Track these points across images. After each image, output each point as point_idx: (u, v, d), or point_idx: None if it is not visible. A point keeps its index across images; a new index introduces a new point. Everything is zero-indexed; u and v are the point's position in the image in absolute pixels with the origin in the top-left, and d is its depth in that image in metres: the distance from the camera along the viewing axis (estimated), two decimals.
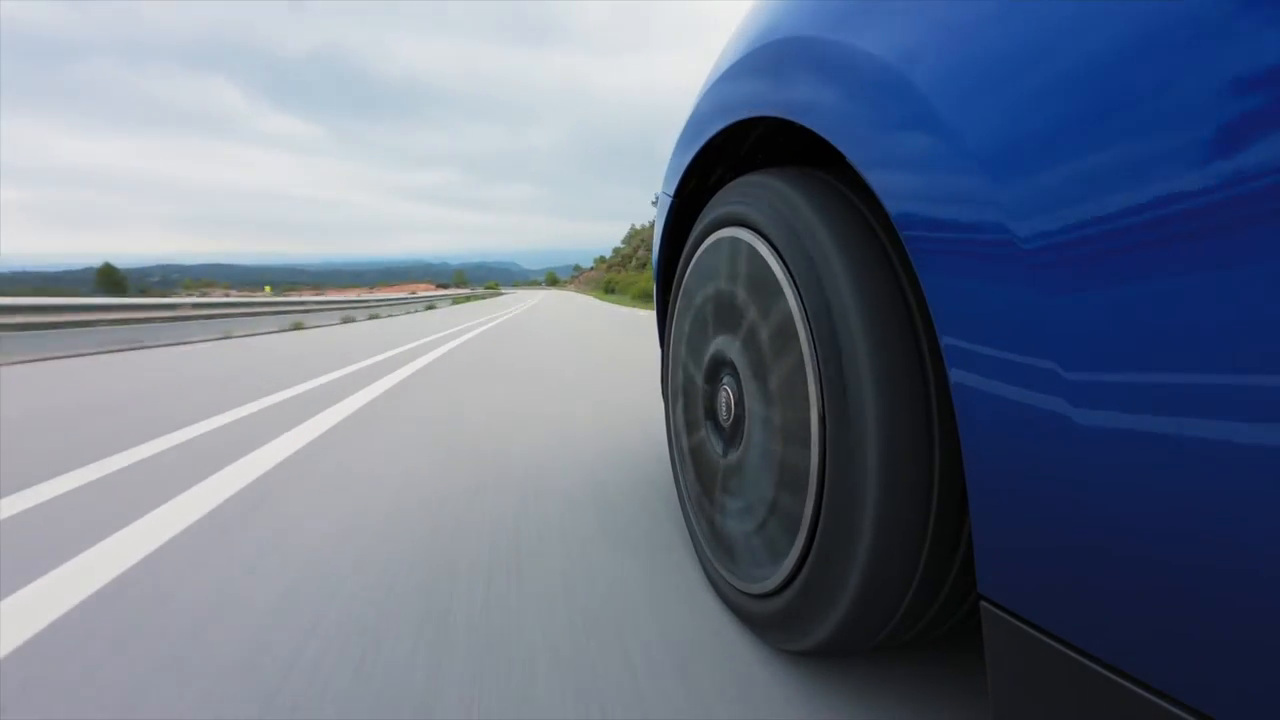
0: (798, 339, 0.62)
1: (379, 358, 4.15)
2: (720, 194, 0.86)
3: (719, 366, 0.85)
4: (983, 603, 0.43)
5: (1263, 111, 0.26)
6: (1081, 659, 0.35)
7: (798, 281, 0.62)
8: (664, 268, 1.19)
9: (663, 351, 1.14)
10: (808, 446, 0.60)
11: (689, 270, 0.96)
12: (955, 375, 0.42)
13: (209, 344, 5.77)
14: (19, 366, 3.92)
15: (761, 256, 0.70)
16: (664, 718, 0.64)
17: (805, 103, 0.61)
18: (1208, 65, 0.28)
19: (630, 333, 6.57)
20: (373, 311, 14.21)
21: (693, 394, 0.95)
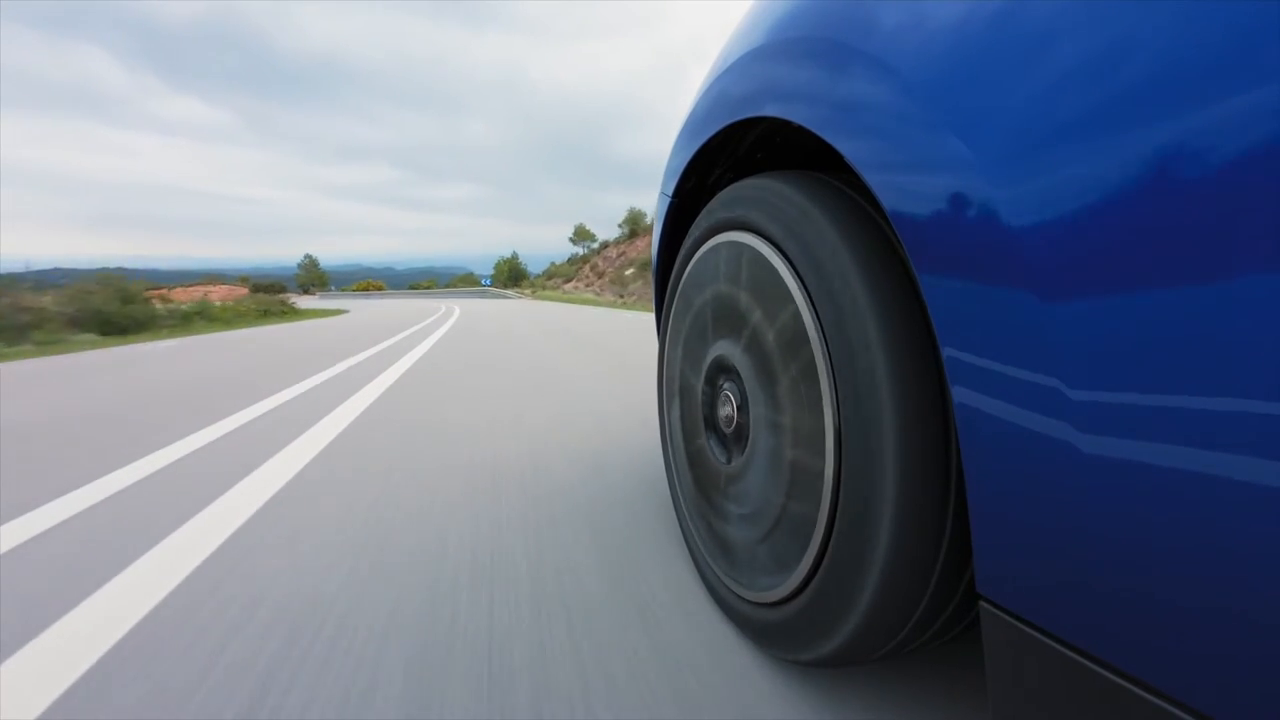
0: (809, 344, 0.62)
1: None
2: (720, 197, 0.86)
3: (720, 371, 0.85)
4: (981, 603, 0.44)
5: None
6: (1080, 659, 0.36)
7: (808, 286, 0.62)
8: (662, 269, 1.18)
9: (660, 354, 1.13)
10: (822, 453, 0.60)
11: (687, 273, 0.96)
12: (954, 376, 0.43)
13: None
14: None
15: (768, 261, 0.70)
16: (664, 717, 0.57)
17: (805, 103, 0.61)
18: (1210, 64, 0.29)
19: None
20: None
21: (691, 398, 0.95)
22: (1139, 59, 0.31)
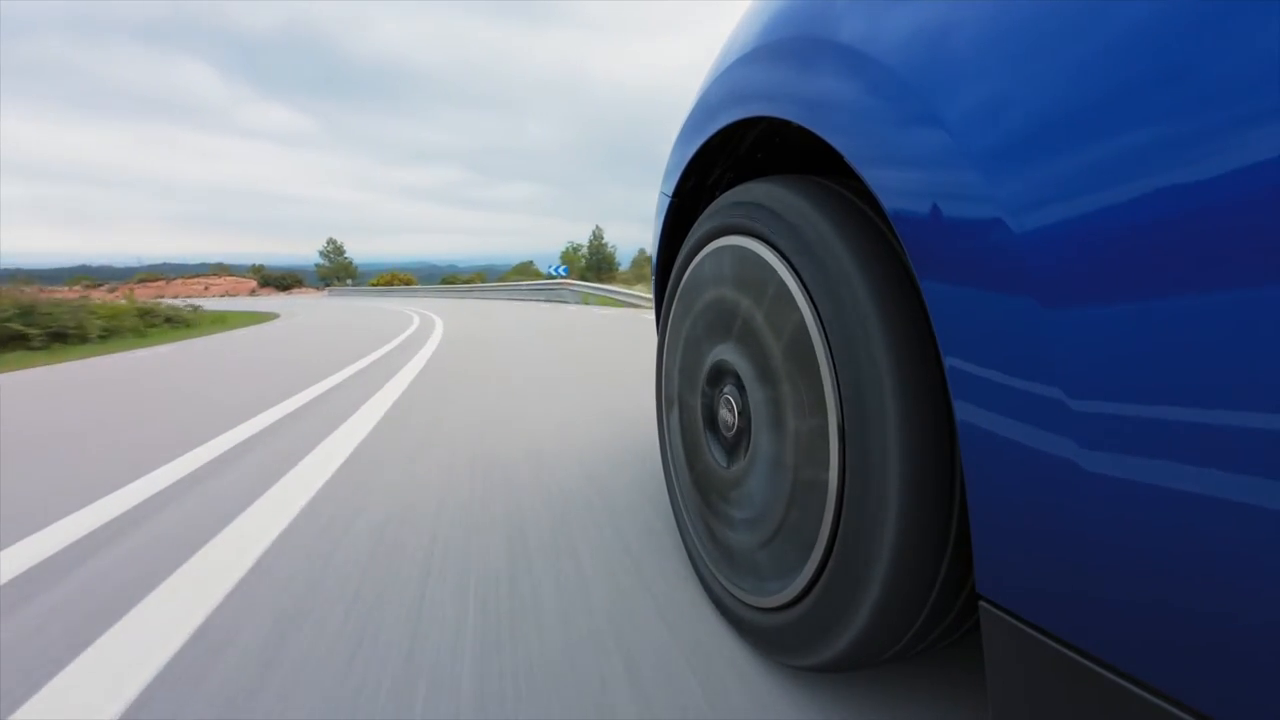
0: (812, 349, 0.62)
1: None
2: (720, 201, 0.86)
3: (721, 375, 0.85)
4: (981, 603, 0.44)
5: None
6: (1080, 659, 0.36)
7: (811, 291, 0.62)
8: (662, 270, 1.18)
9: (658, 356, 1.12)
10: (826, 457, 0.60)
11: (687, 276, 0.96)
12: (954, 374, 0.44)
13: None
14: None
15: (769, 265, 0.70)
16: (662, 717, 0.56)
17: (805, 103, 0.61)
18: (1213, 63, 0.29)
19: None
20: None
21: (690, 402, 0.94)
22: (1148, 60, 0.31)
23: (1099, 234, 0.33)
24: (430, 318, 9.28)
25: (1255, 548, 0.28)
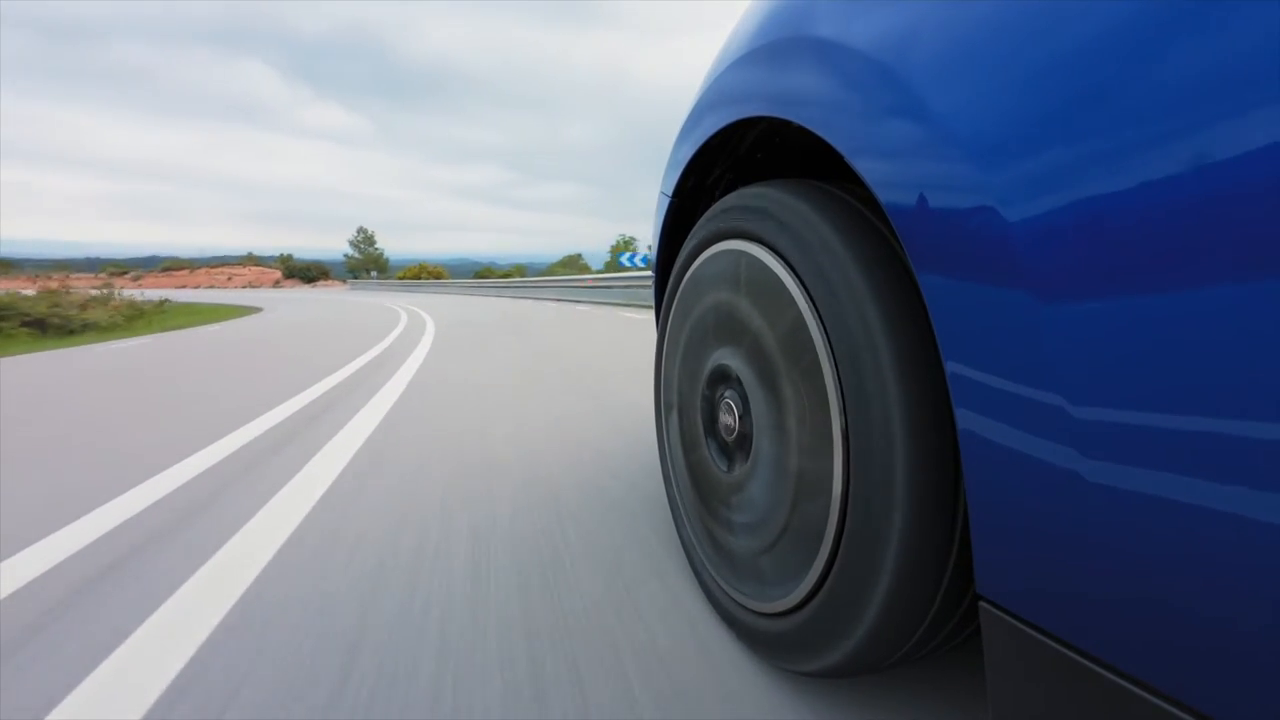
0: (815, 352, 0.62)
1: None
2: (720, 204, 0.86)
3: (721, 379, 0.85)
4: (981, 603, 0.44)
5: None
6: (1080, 659, 0.37)
7: (813, 294, 0.62)
8: (662, 271, 1.17)
9: (657, 360, 1.10)
10: (830, 461, 0.59)
11: (686, 280, 0.96)
12: (954, 376, 0.44)
13: None
14: None
15: (771, 269, 0.70)
16: (662, 716, 0.55)
17: (804, 103, 0.61)
18: (1214, 62, 0.29)
19: None
20: None
21: (690, 406, 0.94)
22: (1152, 60, 0.31)
23: (1099, 235, 0.33)
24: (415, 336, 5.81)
25: (1254, 548, 0.28)
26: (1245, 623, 0.29)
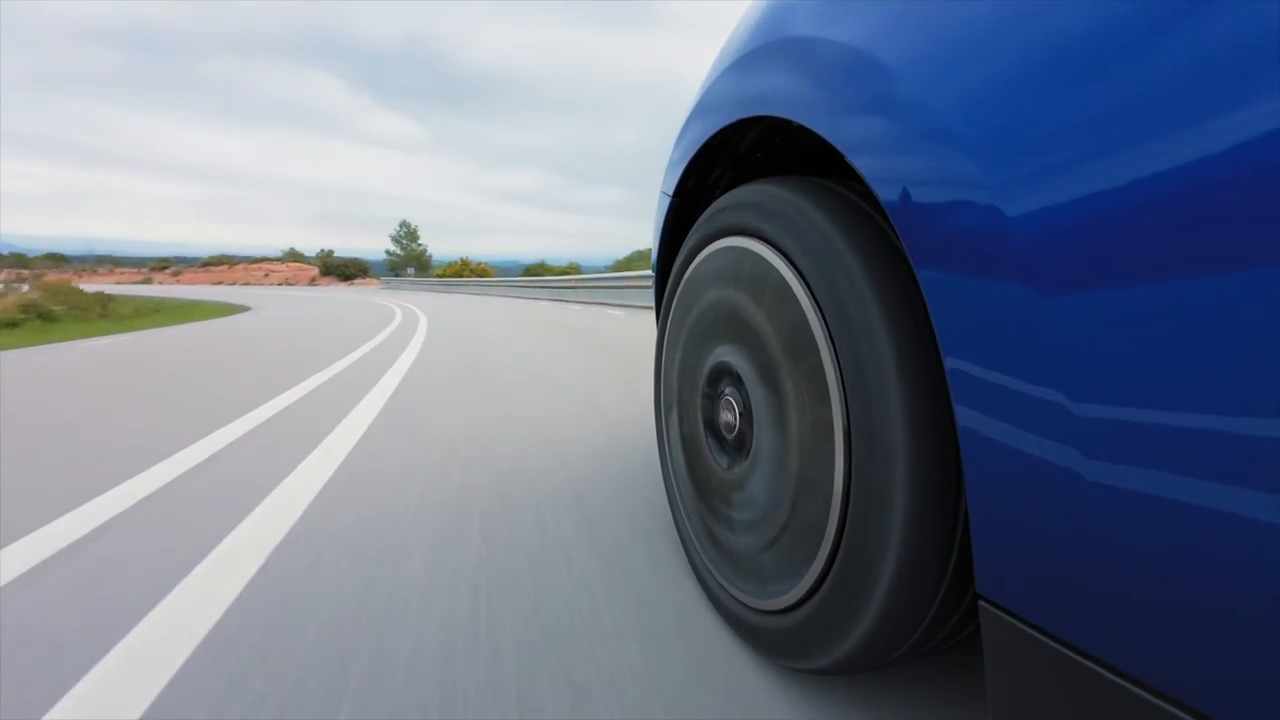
0: (815, 347, 0.62)
1: None
2: (721, 201, 0.86)
3: (721, 376, 0.85)
4: (981, 603, 0.44)
5: None
6: (1080, 659, 0.36)
7: (814, 290, 0.62)
8: (662, 270, 1.17)
9: (657, 358, 1.11)
10: (831, 458, 0.59)
11: (687, 277, 0.96)
12: (953, 373, 0.43)
13: None
14: None
15: (771, 265, 0.70)
16: (662, 717, 0.57)
17: (805, 103, 0.61)
18: (1214, 57, 0.28)
19: None
20: None
21: (690, 404, 0.94)
22: (1150, 54, 0.31)
23: (1098, 231, 0.33)
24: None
25: (1254, 547, 0.28)
26: (1245, 622, 0.28)
